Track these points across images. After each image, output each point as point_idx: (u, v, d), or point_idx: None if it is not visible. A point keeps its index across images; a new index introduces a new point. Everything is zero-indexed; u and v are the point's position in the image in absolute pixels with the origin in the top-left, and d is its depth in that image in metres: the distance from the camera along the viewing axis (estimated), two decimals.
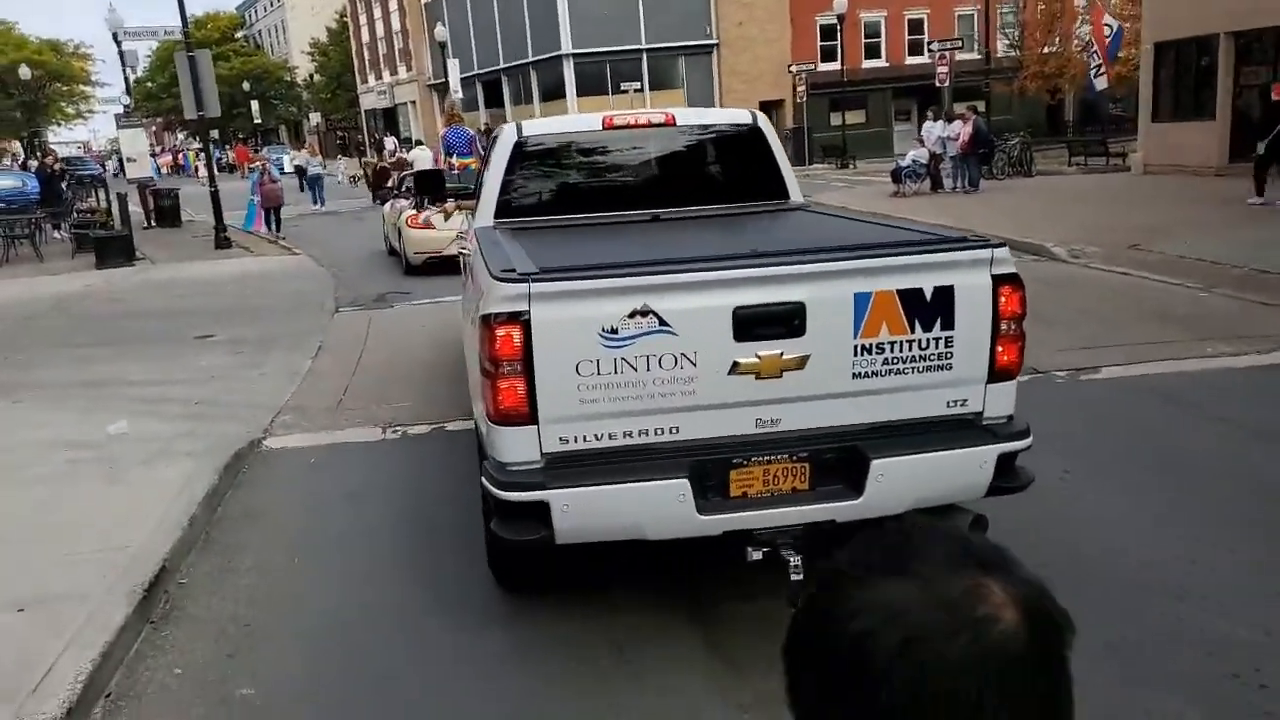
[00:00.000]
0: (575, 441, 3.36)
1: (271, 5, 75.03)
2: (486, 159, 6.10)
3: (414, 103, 50.01)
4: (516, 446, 3.37)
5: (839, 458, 3.47)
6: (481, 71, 42.82)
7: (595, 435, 3.36)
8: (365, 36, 56.23)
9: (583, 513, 3.33)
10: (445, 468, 5.87)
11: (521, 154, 5.39)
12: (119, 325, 10.68)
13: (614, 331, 3.25)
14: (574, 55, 36.58)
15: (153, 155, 62.95)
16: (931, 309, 3.39)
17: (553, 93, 38.11)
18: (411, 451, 6.28)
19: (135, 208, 21.49)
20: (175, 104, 55.35)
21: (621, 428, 3.37)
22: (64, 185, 23.15)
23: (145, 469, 5.79)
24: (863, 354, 3.39)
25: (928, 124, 20.90)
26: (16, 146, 48.29)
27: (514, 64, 40.65)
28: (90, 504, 5.29)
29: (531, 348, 3.23)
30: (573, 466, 3.37)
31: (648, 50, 36.29)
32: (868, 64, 38.52)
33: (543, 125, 5.94)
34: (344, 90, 61.30)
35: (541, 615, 4.05)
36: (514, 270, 3.41)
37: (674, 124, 5.56)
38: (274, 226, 19.51)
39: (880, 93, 38.91)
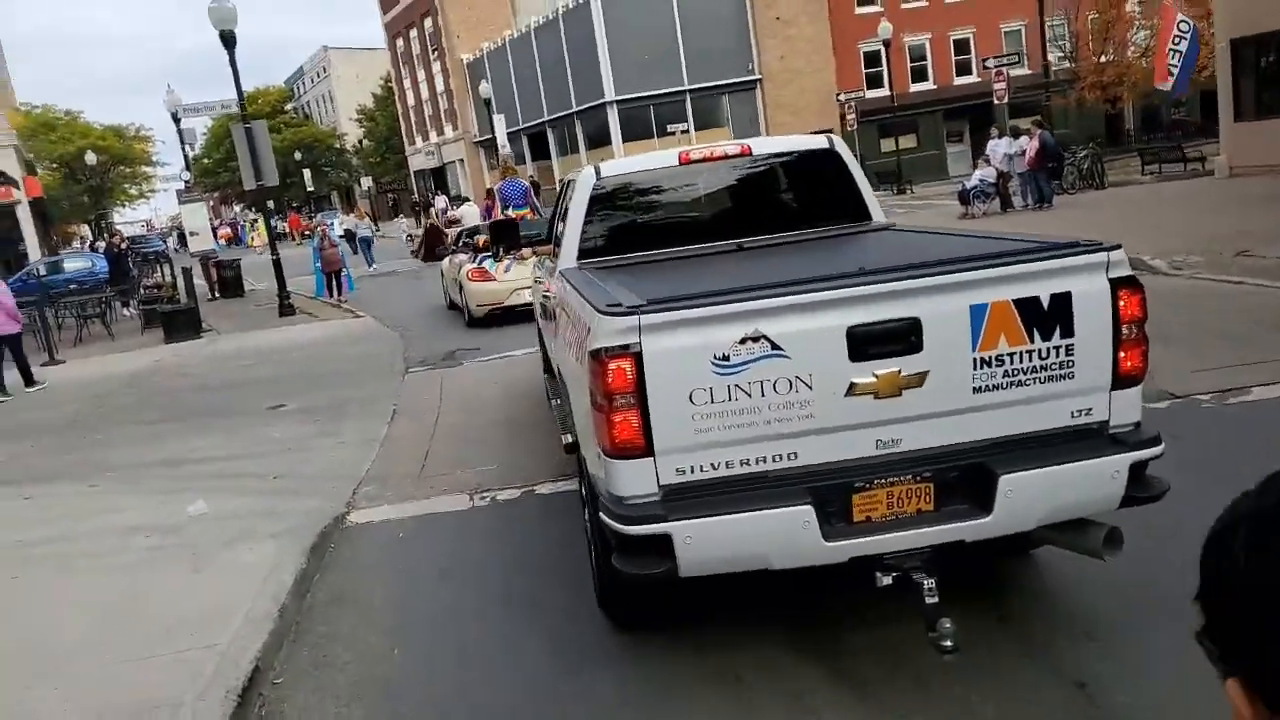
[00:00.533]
0: (692, 472, 3.32)
1: (318, 77, 77.14)
2: (564, 203, 6.12)
3: (461, 161, 50.66)
4: (634, 480, 3.33)
5: (963, 475, 3.38)
6: (526, 125, 43.25)
7: (712, 464, 3.32)
8: (410, 99, 57.31)
9: (706, 544, 3.27)
10: (540, 534, 5.48)
11: (601, 195, 5.45)
12: (190, 399, 10.55)
13: (726, 358, 3.21)
14: (617, 102, 36.72)
15: (212, 229, 65.04)
16: (1050, 317, 3.32)
17: (598, 140, 38.24)
18: (503, 519, 5.88)
19: (199, 281, 21.81)
20: (231, 178, 57.10)
21: (738, 455, 3.32)
22: (130, 263, 23.63)
23: (228, 552, 5.47)
24: (982, 367, 3.32)
25: (992, 142, 20.30)
26: (85, 230, 49.98)
27: (558, 115, 40.97)
28: (175, 595, 4.97)
29: (644, 379, 3.21)
30: (692, 497, 3.32)
31: (691, 91, 36.28)
32: (915, 87, 38.06)
33: (619, 165, 5.93)
34: (392, 153, 62.45)
35: (652, 652, 3.95)
36: (620, 304, 3.36)
37: (750, 154, 5.56)
38: (336, 291, 19.53)
39: (930, 115, 38.38)
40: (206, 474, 7.41)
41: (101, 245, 24.26)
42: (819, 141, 5.69)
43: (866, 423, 3.30)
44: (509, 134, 37.65)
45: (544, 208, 15.12)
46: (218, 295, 21.36)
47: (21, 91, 53.49)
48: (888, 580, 3.37)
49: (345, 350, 12.86)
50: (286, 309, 16.94)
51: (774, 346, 3.21)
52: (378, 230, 37.95)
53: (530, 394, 9.10)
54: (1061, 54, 38.53)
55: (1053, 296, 3.29)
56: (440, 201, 41.75)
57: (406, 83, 56.91)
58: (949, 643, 3.28)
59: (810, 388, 3.24)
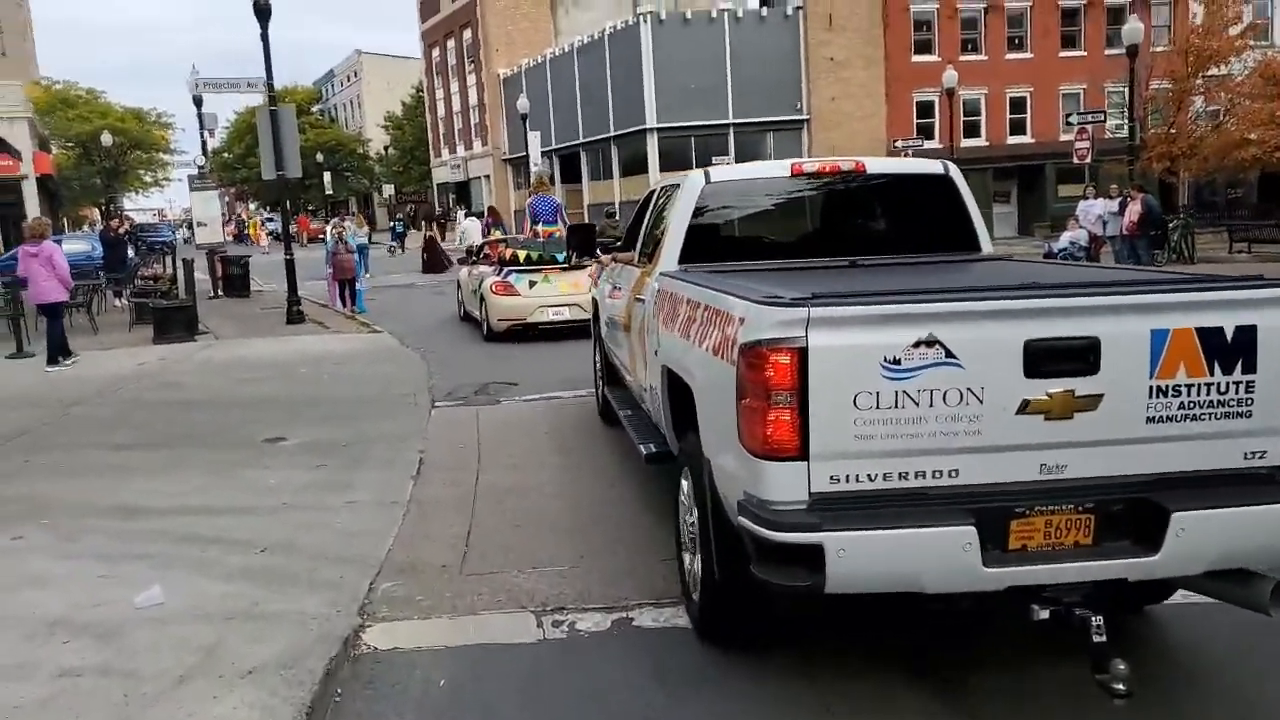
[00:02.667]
0: (847, 481, 3.13)
1: (349, 81, 76.05)
2: (657, 208, 6.05)
3: (488, 177, 49.14)
4: (783, 484, 3.13)
5: (1128, 510, 3.18)
6: (559, 146, 41.75)
7: (869, 475, 3.13)
8: (441, 110, 55.97)
9: (859, 559, 3.03)
10: (650, 703, 3.60)
11: (708, 199, 5.34)
12: (172, 419, 8.69)
13: (897, 362, 3.05)
14: (658, 129, 35.18)
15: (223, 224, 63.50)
16: (1232, 351, 3.15)
17: (634, 167, 36.70)
18: (590, 667, 3.98)
19: (203, 276, 20.08)
20: (250, 174, 55.79)
21: (897, 467, 3.13)
22: (131, 251, 21.88)
23: (179, 699, 3.59)
24: (1158, 396, 3.16)
25: (1085, 203, 18.62)
26: (96, 213, 48.38)
27: (594, 138, 39.48)
28: None
29: (806, 377, 3.04)
30: (843, 508, 3.11)
31: (735, 125, 34.78)
32: (967, 142, 36.51)
33: (729, 172, 5.76)
34: (417, 164, 61.06)
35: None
36: (781, 296, 3.21)
37: (864, 172, 5.41)
38: (348, 301, 17.73)
39: (980, 173, 36.70)
40: (173, 533, 5.55)
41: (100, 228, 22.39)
42: (934, 166, 5.58)
43: (1033, 444, 3.15)
44: (541, 152, 36.10)
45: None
46: (221, 293, 19.54)
47: (47, 69, 52.23)
48: (1044, 614, 3.21)
49: (360, 371, 11.02)
50: (295, 316, 15.13)
51: (948, 354, 3.07)
52: (372, 241, 36.53)
53: (591, 450, 7.30)
54: (1119, 120, 37.14)
55: (1237, 329, 3.15)
56: (462, 216, 40.28)
57: (439, 93, 55.59)
58: (1121, 686, 3.05)
59: (980, 401, 3.10)
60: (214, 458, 7.24)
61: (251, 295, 20.21)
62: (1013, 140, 37.32)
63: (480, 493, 6.39)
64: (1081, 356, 3.09)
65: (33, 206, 35.18)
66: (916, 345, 3.04)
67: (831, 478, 3.11)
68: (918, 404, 3.08)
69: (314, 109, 74.57)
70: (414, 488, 6.49)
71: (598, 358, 8.10)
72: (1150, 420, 3.16)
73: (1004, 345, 3.07)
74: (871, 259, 5.16)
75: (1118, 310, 3.15)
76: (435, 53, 54.95)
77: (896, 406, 3.07)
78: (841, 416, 3.07)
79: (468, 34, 49.63)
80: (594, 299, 8.30)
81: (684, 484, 4.28)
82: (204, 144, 21.94)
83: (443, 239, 33.04)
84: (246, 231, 59.94)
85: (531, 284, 13.22)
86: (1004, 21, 36.66)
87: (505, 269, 13.63)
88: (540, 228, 14.48)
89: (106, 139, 37.14)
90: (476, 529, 5.67)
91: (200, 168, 21.97)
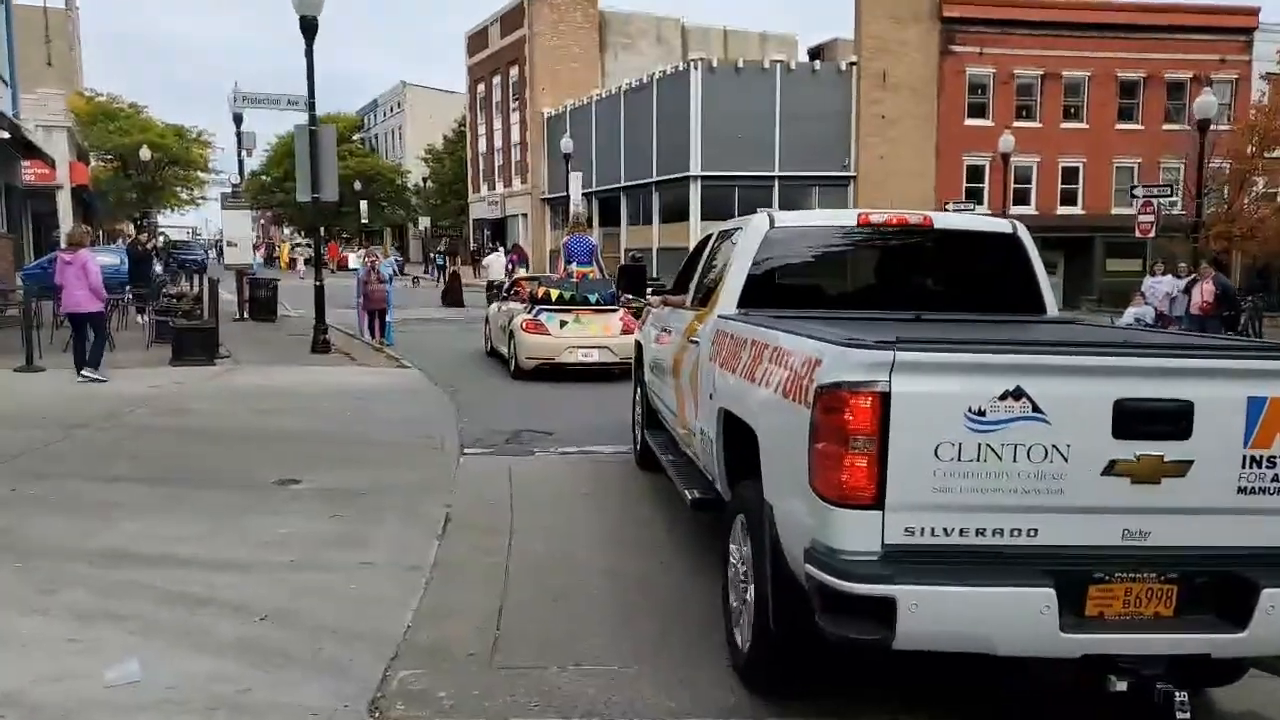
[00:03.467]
0: (921, 534, 3.03)
1: (391, 111, 76.67)
2: (715, 252, 6.01)
3: (525, 215, 48.93)
4: (856, 533, 3.03)
5: (1214, 583, 3.07)
6: (599, 188, 41.46)
7: (945, 529, 3.03)
8: (482, 146, 56.04)
9: (932, 615, 2.93)
10: None
11: (771, 243, 5.26)
12: (177, 450, 7.97)
13: (982, 413, 2.97)
14: (702, 177, 34.74)
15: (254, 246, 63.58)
16: None
17: (675, 214, 36.25)
18: None
19: (229, 296, 19.56)
20: (287, 197, 55.84)
21: (975, 523, 3.04)
22: (159, 267, 21.47)
23: None
24: (1252, 466, 3.05)
25: (1151, 279, 17.77)
26: (130, 227, 48.46)
27: (635, 182, 39.12)
28: None
29: (888, 423, 2.96)
30: (916, 561, 3.01)
31: (781, 177, 34.27)
32: (1016, 209, 35.78)
33: (794, 217, 5.70)
34: (454, 198, 61.07)
35: None
36: (863, 339, 3.09)
37: (930, 226, 5.36)
38: (377, 332, 17.10)
39: None
40: (161, 589, 4.79)
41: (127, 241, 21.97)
42: (1002, 225, 5.52)
43: (1117, 508, 3.04)
44: (582, 195, 35.72)
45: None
46: (247, 316, 18.99)
47: (92, 82, 52.82)
48: (1121, 686, 3.04)
49: (385, 410, 10.29)
50: (321, 345, 14.49)
51: (1035, 408, 2.97)
52: (403, 272, 36.50)
53: (635, 516, 6.52)
54: (1174, 198, 36.39)
55: None
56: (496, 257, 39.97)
57: (481, 129, 55.72)
58: None
59: (1065, 460, 3.00)
60: (218, 499, 6.50)
61: (278, 320, 19.66)
62: (1063, 210, 36.62)
63: (514, 560, 5.60)
64: (1173, 420, 3.01)
65: (67, 216, 35.15)
66: (1003, 397, 2.97)
67: (906, 529, 3.04)
68: (1000, 458, 3.00)
69: (355, 137, 75.14)
70: (439, 549, 5.70)
71: (637, 401, 7.90)
72: (1242, 491, 3.07)
73: (1093, 403, 2.99)
74: (936, 315, 4.94)
75: (1214, 374, 3.08)
76: (480, 88, 55.17)
77: (979, 459, 2.99)
78: (921, 466, 2.99)
79: (514, 71, 49.76)
80: (637, 342, 8.12)
81: (735, 530, 4.18)
82: (241, 163, 21.60)
83: (475, 274, 33.03)
84: (275, 255, 60.03)
85: (563, 324, 13.07)
86: (1061, 90, 36.16)
87: (536, 307, 13.39)
88: (574, 268, 14.34)
89: (145, 153, 37.15)
90: (510, 605, 4.87)
91: (234, 186, 21.58)
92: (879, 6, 34.96)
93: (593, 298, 13.51)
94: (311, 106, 13.76)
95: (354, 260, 36.78)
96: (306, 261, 42.33)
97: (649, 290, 7.88)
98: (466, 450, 8.57)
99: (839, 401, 3.01)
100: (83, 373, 11.09)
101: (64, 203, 35.17)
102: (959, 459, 2.99)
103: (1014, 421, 2.98)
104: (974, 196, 34.89)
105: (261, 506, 6.35)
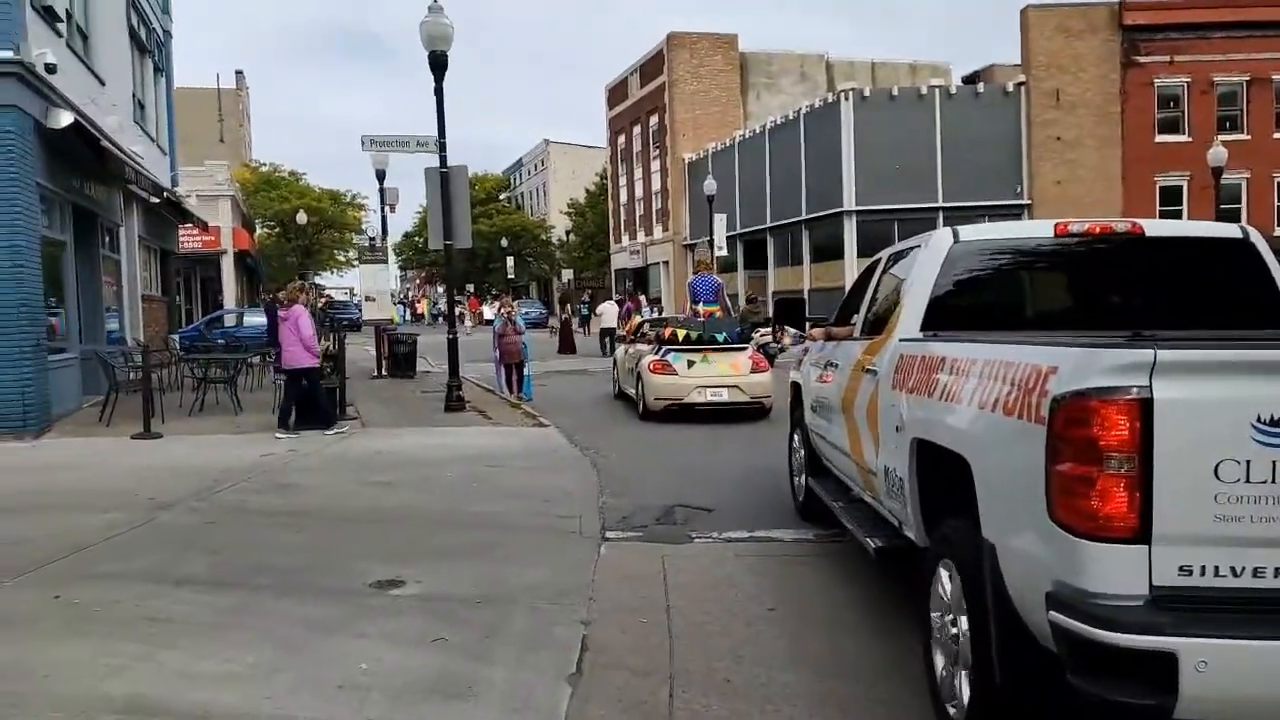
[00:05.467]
0: (1201, 574, 2.53)
1: (536, 170, 77.92)
2: (888, 274, 5.43)
3: (666, 263, 47.85)
4: (1115, 572, 2.54)
5: None
6: (744, 230, 39.89)
7: (1232, 569, 2.52)
8: (624, 197, 55.61)
9: (1227, 676, 2.38)
10: None
11: (955, 261, 4.73)
12: (266, 540, 6.62)
13: (1275, 423, 2.46)
14: (857, 212, 32.61)
15: (403, 303, 65.09)
16: None
17: (827, 253, 34.17)
18: None
19: (370, 351, 18.88)
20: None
21: (1271, 561, 2.50)
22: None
23: None
24: None
25: None
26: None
27: (783, 222, 37.35)
28: None
29: (1151, 437, 2.49)
30: (1197, 608, 2.49)
31: (945, 209, 31.69)
32: None
33: (980, 231, 5.06)
34: (596, 250, 60.90)
35: None
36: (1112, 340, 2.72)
37: (1142, 234, 4.73)
38: (515, 386, 15.87)
39: None
40: None
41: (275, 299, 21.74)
42: (1230, 230, 4.85)
43: None
44: (727, 238, 34.22)
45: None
46: (384, 373, 18.18)
47: (260, 155, 55.60)
48: None
49: (517, 479, 8.79)
50: (455, 402, 13.27)
51: None
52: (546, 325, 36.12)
53: (849, 657, 4.59)
54: None
55: None
56: (641, 302, 39.01)
57: (622, 180, 55.36)
58: None
59: None
60: (295, 611, 5.04)
61: (417, 376, 18.79)
62: None
63: (677, 716, 3.83)
64: None
65: (229, 280, 36.34)
66: None
67: (1181, 568, 2.53)
68: None
69: (501, 196, 76.65)
70: (571, 696, 4.01)
71: (796, 446, 7.39)
72: None
73: None
74: (1155, 332, 3.90)
75: None
76: (621, 139, 54.89)
77: (1273, 481, 2.47)
78: (1198, 489, 2.50)
79: (654, 120, 49.13)
80: (794, 383, 7.58)
81: (942, 578, 3.61)
82: (384, 218, 21.18)
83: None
84: (419, 311, 61.17)
85: (690, 364, 12.99)
86: (1271, 96, 32.18)
87: (664, 348, 13.34)
88: (701, 307, 14.12)
89: (301, 217, 38.16)
90: None
91: (371, 239, 21.11)
92: (1048, 20, 32.20)
93: (720, 337, 13.35)
94: (442, 147, 12.70)
95: (489, 312, 36.51)
96: (442, 314, 42.48)
97: (808, 324, 7.48)
98: (609, 534, 6.92)
99: (1085, 412, 2.58)
100: (288, 431, 11.11)
101: (228, 267, 36.44)
102: (1247, 480, 2.51)
103: None
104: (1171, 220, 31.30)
105: (347, 624, 4.83)
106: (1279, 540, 2.50)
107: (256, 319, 24.28)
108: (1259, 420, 2.48)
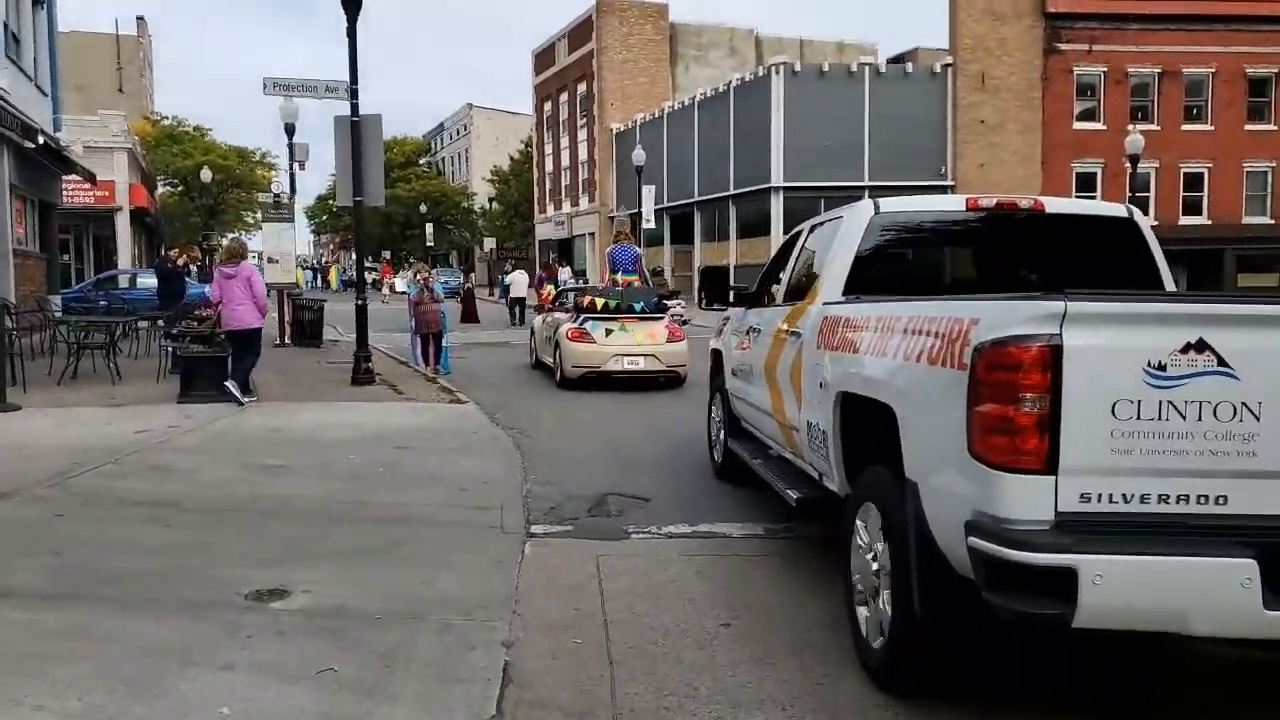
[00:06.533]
0: (1098, 501, 2.84)
1: (458, 135, 75.68)
2: (821, 239, 5.67)
3: (592, 234, 46.85)
4: (1027, 500, 2.83)
5: None
6: (671, 205, 39.17)
7: (1124, 495, 2.84)
8: (549, 166, 54.30)
9: (1118, 588, 2.70)
10: None
11: (875, 230, 5.14)
12: (123, 538, 5.58)
13: (1162, 368, 2.79)
14: (784, 188, 32.15)
15: (312, 269, 62.40)
16: None
17: (754, 229, 33.70)
18: None
19: (272, 317, 17.51)
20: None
21: (1156, 489, 2.83)
22: (206, 289, 19.59)
23: None
24: None
25: None
26: (197, 251, 47.48)
27: (710, 196, 36.73)
28: None
29: (1060, 379, 2.79)
30: (1094, 531, 2.80)
31: (870, 187, 31.34)
32: None
33: (899, 203, 5.41)
34: (520, 219, 59.47)
35: None
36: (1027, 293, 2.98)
37: (1043, 210, 5.23)
38: (432, 359, 14.85)
39: None
40: None
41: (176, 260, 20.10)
42: (1117, 210, 5.41)
43: None
44: (654, 211, 33.42)
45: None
46: (288, 341, 16.91)
47: (162, 107, 52.48)
48: None
49: (430, 463, 7.88)
50: (363, 375, 12.21)
51: (1220, 362, 2.78)
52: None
53: (813, 665, 3.89)
54: None
55: None
56: (565, 273, 38.08)
57: (548, 148, 54.01)
58: None
59: (1257, 419, 2.79)
60: (145, 633, 4.09)
61: (323, 346, 17.56)
62: (1186, 220, 33.15)
63: None
64: None
65: (125, 239, 34.02)
66: (1185, 350, 2.78)
67: (1082, 496, 2.84)
68: (1184, 417, 2.80)
69: (421, 161, 74.25)
70: None
71: (714, 414, 7.80)
72: None
73: None
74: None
75: None
76: (547, 106, 53.52)
77: (1159, 419, 2.80)
78: (1098, 426, 2.80)
79: (582, 88, 47.93)
80: (715, 350, 7.90)
81: (859, 524, 3.96)
82: (292, 174, 19.68)
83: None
84: (328, 278, 58.93)
85: (608, 332, 13.10)
86: (1181, 89, 32.76)
87: (582, 316, 13.39)
88: (620, 276, 14.15)
89: (206, 175, 35.91)
90: None
91: (276, 197, 19.68)
92: (976, 3, 32.10)
93: (638, 306, 13.47)
94: (354, 94, 11.53)
95: (400, 283, 35.01)
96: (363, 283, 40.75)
97: (731, 293, 7.53)
98: (535, 529, 6.09)
99: (1006, 357, 2.84)
100: (237, 395, 10.33)
101: (124, 226, 34.07)
102: (1138, 418, 2.79)
103: (1197, 377, 2.78)
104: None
105: (212, 651, 3.91)
106: (1164, 471, 2.82)
107: (151, 280, 22.57)
108: (1149, 365, 2.77)
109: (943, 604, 3.28)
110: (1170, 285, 5.21)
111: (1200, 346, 2.76)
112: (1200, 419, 2.77)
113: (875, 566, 3.75)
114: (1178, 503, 2.82)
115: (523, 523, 6.20)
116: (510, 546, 5.64)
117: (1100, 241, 5.27)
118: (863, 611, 3.89)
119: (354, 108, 11.51)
